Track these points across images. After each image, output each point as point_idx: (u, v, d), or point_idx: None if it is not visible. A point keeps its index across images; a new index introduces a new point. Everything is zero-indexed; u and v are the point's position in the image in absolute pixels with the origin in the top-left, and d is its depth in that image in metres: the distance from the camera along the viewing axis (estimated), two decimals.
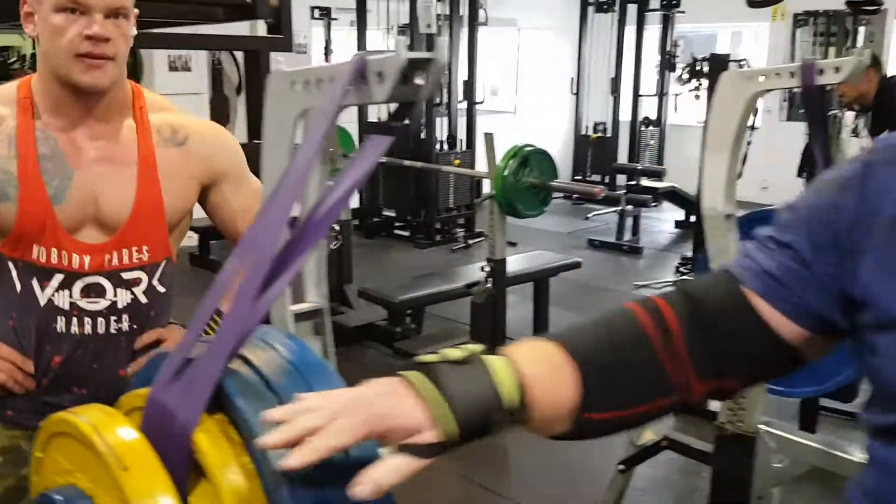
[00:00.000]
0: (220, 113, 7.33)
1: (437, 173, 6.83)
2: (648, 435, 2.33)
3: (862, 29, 8.35)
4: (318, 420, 0.69)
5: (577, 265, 4.91)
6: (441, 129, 7.22)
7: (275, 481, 0.75)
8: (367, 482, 0.68)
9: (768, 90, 1.90)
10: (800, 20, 8.65)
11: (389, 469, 0.69)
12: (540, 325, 4.86)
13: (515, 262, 3.87)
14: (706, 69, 6.14)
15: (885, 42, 8.31)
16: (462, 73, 7.34)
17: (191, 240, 6.55)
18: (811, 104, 1.86)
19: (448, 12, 6.95)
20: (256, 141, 2.89)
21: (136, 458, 0.76)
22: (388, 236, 7.47)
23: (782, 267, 0.81)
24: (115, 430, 0.79)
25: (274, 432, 0.69)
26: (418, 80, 0.94)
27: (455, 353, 0.76)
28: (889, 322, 0.75)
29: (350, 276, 4.79)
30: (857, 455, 1.96)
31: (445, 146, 7.28)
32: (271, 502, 0.73)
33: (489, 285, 3.57)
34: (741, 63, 6.34)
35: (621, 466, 2.35)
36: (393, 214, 7.59)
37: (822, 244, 0.79)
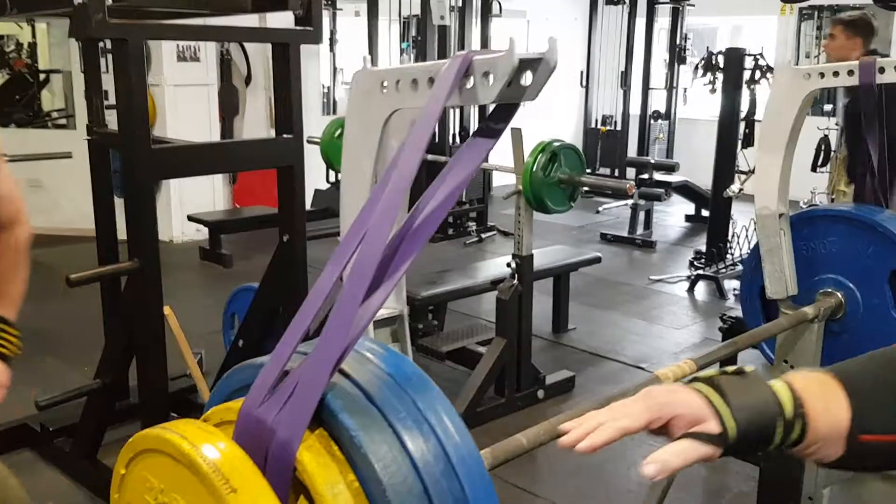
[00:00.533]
0: (229, 104, 7.28)
1: None
2: None
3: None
4: (605, 416, 0.76)
5: (597, 260, 4.88)
6: (453, 121, 7.17)
7: (383, 500, 0.72)
8: (654, 461, 0.73)
9: (825, 89, 1.86)
10: (805, 14, 8.62)
11: (674, 451, 0.74)
12: (560, 320, 4.83)
13: (537, 258, 3.83)
14: (721, 63, 6.09)
15: (890, 36, 8.28)
16: None
17: (201, 233, 6.50)
18: (868, 103, 1.82)
19: (461, 4, 6.89)
20: (286, 136, 2.87)
21: (244, 480, 0.71)
22: None
23: None
24: (216, 448, 0.73)
25: (571, 433, 0.76)
26: (524, 81, 0.91)
27: (729, 368, 0.81)
28: None
29: None
30: None
31: (458, 139, 7.23)
32: None
33: (515, 282, 3.53)
34: (757, 57, 6.31)
35: None
36: None
37: None
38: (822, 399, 0.79)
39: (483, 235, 7.16)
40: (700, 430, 0.75)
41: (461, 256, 6.65)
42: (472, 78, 0.89)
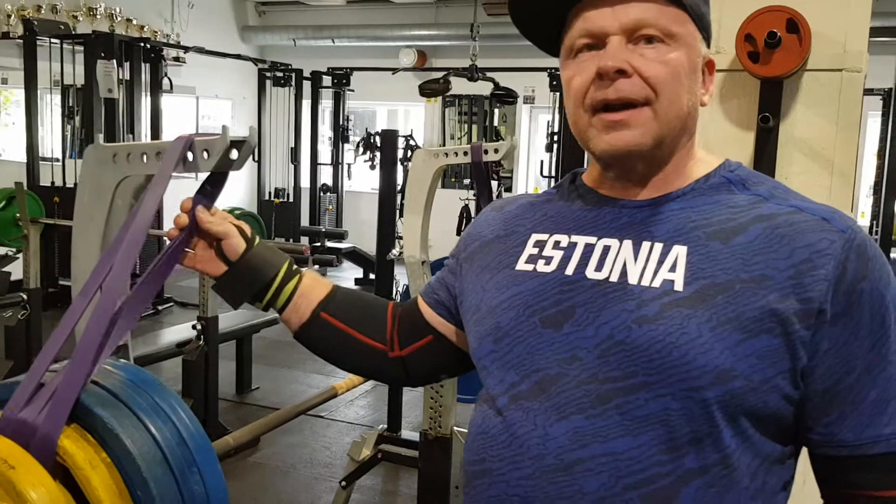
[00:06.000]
0: None
1: None
2: (365, 451, 2.73)
3: (497, 110, 9.95)
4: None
5: (276, 322, 5.20)
6: None
7: (132, 470, 0.93)
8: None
9: (449, 164, 2.46)
10: (448, 101, 9.98)
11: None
12: (243, 381, 5.05)
13: (220, 321, 4.05)
14: (378, 142, 6.88)
15: (515, 121, 9.97)
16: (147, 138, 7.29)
17: None
18: (479, 175, 2.45)
19: (129, 77, 6.92)
20: None
21: (18, 459, 0.89)
22: (68, 307, 6.99)
23: (437, 278, 1.17)
24: None
25: None
26: (232, 156, 1.26)
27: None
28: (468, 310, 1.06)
29: (41, 347, 4.58)
30: None
31: None
32: (130, 486, 0.92)
33: (202, 343, 3.73)
34: (408, 138, 7.23)
35: (343, 483, 2.71)
36: (69, 284, 7.15)
37: (456, 257, 1.14)
38: (314, 282, 1.18)
39: (160, 307, 7.08)
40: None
41: (137, 329, 6.52)
42: (192, 154, 1.21)
